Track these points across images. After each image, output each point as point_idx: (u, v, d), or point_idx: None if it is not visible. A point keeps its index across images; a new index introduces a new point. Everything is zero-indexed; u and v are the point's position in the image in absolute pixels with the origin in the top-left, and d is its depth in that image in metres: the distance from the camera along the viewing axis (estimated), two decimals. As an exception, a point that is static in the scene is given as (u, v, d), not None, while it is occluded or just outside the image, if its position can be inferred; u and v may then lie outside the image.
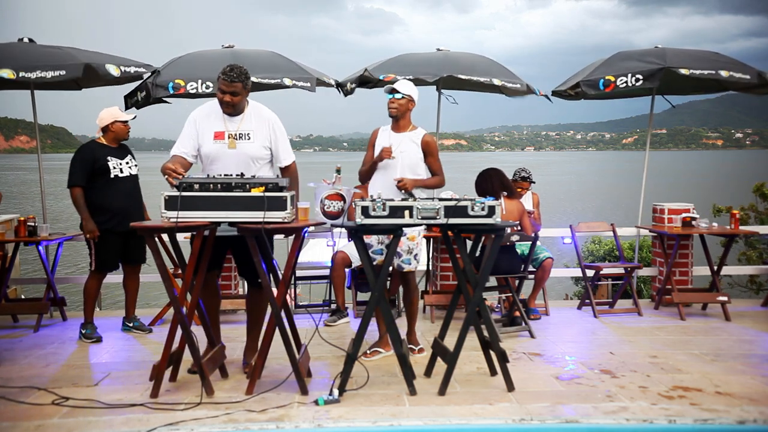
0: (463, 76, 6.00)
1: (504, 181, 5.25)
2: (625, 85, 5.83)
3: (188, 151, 3.98)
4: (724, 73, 5.84)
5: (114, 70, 5.52)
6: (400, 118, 4.41)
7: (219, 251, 4.11)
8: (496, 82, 6.05)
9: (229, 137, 3.96)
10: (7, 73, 5.13)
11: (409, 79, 5.00)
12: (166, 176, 3.69)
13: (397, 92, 4.36)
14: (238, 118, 3.99)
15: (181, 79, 5.59)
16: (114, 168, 5.03)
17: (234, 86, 3.85)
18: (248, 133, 3.98)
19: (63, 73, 5.29)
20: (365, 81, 6.31)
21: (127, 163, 5.15)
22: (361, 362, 4.13)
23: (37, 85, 5.90)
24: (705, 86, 6.97)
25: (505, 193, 5.22)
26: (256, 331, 4.22)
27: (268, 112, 4.07)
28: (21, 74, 5.18)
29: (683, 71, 5.78)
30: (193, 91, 5.62)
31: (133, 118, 5.25)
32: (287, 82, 5.79)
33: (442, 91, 6.69)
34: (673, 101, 7.10)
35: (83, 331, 5.05)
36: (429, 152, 4.43)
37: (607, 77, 5.88)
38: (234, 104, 3.91)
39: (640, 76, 5.82)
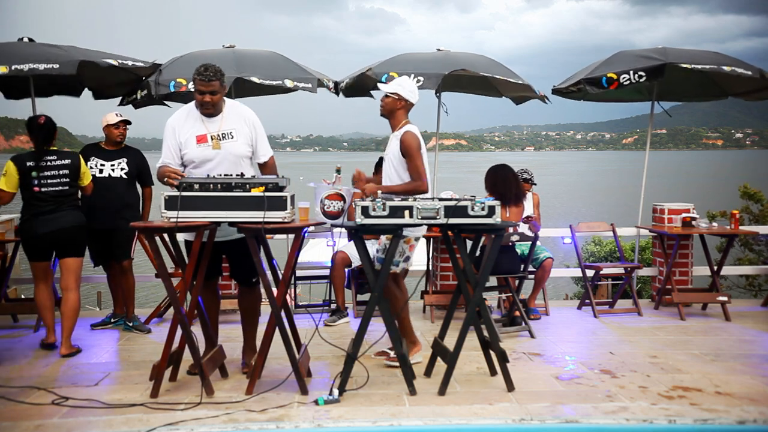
0: (465, 72, 5.99)
1: (519, 187, 5.26)
2: (628, 82, 5.77)
3: (173, 162, 3.96)
4: (726, 68, 5.81)
5: (112, 61, 5.52)
6: (389, 118, 4.28)
7: (219, 257, 4.11)
8: (499, 76, 6.04)
9: (212, 139, 3.95)
10: (0, 69, 5.10)
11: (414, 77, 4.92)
12: (166, 179, 3.70)
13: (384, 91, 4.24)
14: (217, 119, 3.98)
15: (183, 78, 5.59)
16: (91, 168, 5.19)
17: (212, 85, 3.85)
18: (230, 132, 3.98)
19: (56, 66, 5.26)
20: (365, 85, 6.30)
21: (112, 165, 5.24)
22: (360, 362, 4.12)
23: (37, 89, 5.89)
24: (706, 92, 6.97)
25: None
26: (252, 331, 4.23)
27: (246, 109, 4.08)
28: (14, 67, 5.15)
29: (685, 65, 5.77)
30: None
31: (123, 120, 5.29)
32: (289, 83, 5.78)
33: (441, 94, 6.69)
34: (673, 104, 7.10)
35: (129, 324, 5.34)
36: (404, 151, 4.10)
37: (609, 75, 5.84)
38: (214, 104, 3.90)
39: (642, 73, 5.76)
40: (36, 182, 4.57)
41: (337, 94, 6.51)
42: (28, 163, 4.57)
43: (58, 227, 4.58)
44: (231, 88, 5.70)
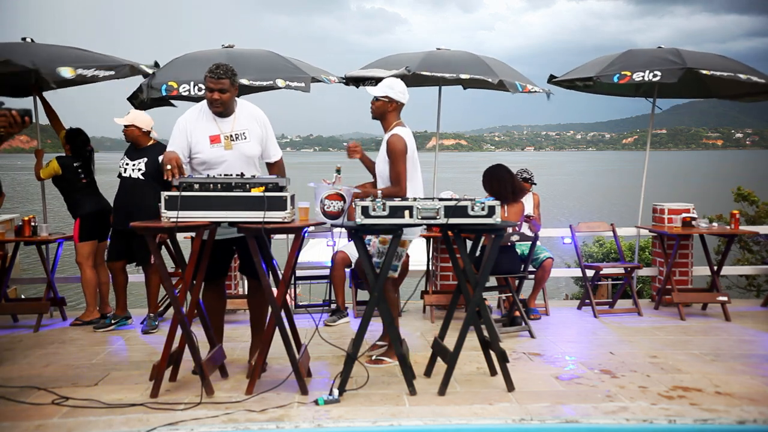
0: (464, 76, 5.97)
1: (515, 184, 5.22)
2: (641, 79, 5.73)
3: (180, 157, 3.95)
4: (742, 76, 5.79)
5: (68, 72, 5.16)
6: (381, 120, 4.27)
7: (225, 257, 4.10)
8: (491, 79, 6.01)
9: (225, 139, 3.94)
10: (69, 71, 5.09)
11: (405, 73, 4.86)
12: (168, 168, 3.61)
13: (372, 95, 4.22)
14: (230, 119, 3.97)
15: (174, 81, 5.58)
16: (120, 167, 5.31)
17: (221, 83, 3.83)
18: (243, 133, 3.97)
19: (112, 73, 5.33)
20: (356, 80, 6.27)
21: (134, 164, 5.25)
22: (361, 362, 4.12)
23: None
24: (692, 91, 6.96)
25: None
26: (261, 329, 4.20)
27: (256, 109, 4.08)
28: (79, 71, 5.15)
29: (705, 72, 5.73)
30: (186, 94, 5.59)
31: (128, 112, 5.34)
32: (280, 83, 5.74)
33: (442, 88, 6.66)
34: (667, 102, 7.11)
35: (155, 323, 5.37)
36: (389, 153, 4.10)
37: (623, 72, 5.81)
38: (223, 102, 3.88)
39: (658, 73, 5.70)
40: (83, 175, 5.51)
41: (346, 83, 6.43)
42: (75, 163, 5.54)
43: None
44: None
